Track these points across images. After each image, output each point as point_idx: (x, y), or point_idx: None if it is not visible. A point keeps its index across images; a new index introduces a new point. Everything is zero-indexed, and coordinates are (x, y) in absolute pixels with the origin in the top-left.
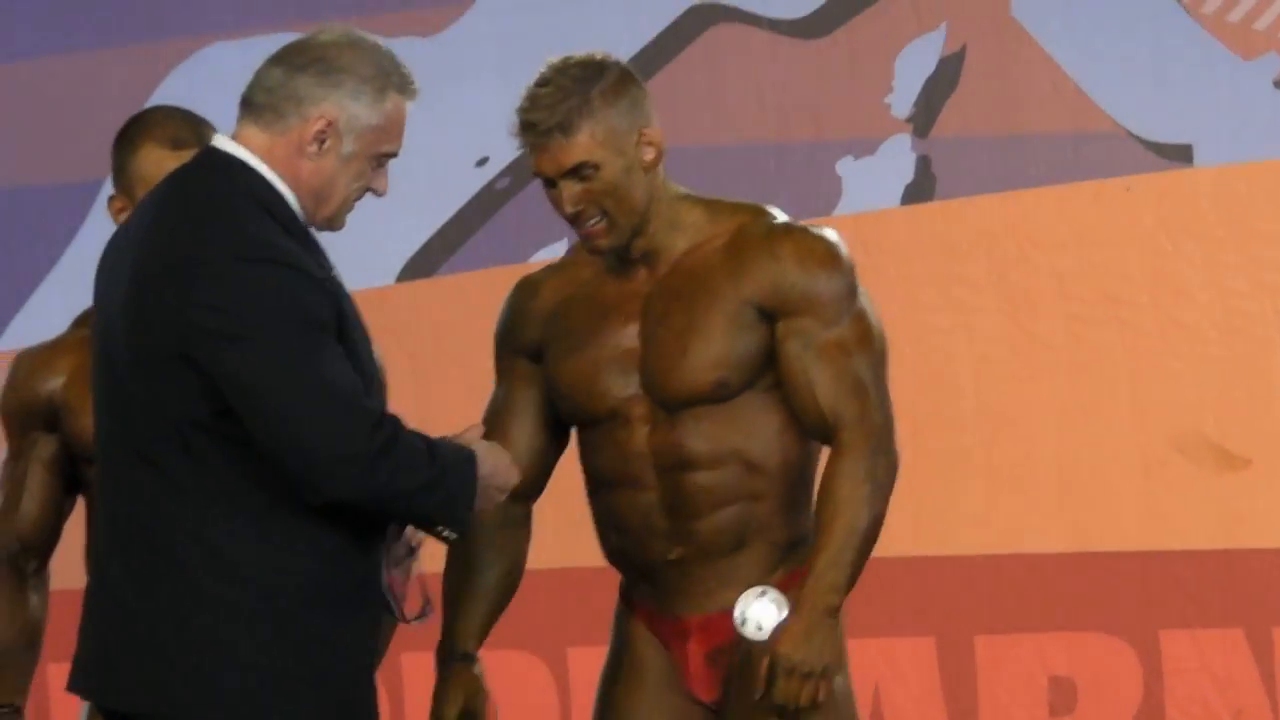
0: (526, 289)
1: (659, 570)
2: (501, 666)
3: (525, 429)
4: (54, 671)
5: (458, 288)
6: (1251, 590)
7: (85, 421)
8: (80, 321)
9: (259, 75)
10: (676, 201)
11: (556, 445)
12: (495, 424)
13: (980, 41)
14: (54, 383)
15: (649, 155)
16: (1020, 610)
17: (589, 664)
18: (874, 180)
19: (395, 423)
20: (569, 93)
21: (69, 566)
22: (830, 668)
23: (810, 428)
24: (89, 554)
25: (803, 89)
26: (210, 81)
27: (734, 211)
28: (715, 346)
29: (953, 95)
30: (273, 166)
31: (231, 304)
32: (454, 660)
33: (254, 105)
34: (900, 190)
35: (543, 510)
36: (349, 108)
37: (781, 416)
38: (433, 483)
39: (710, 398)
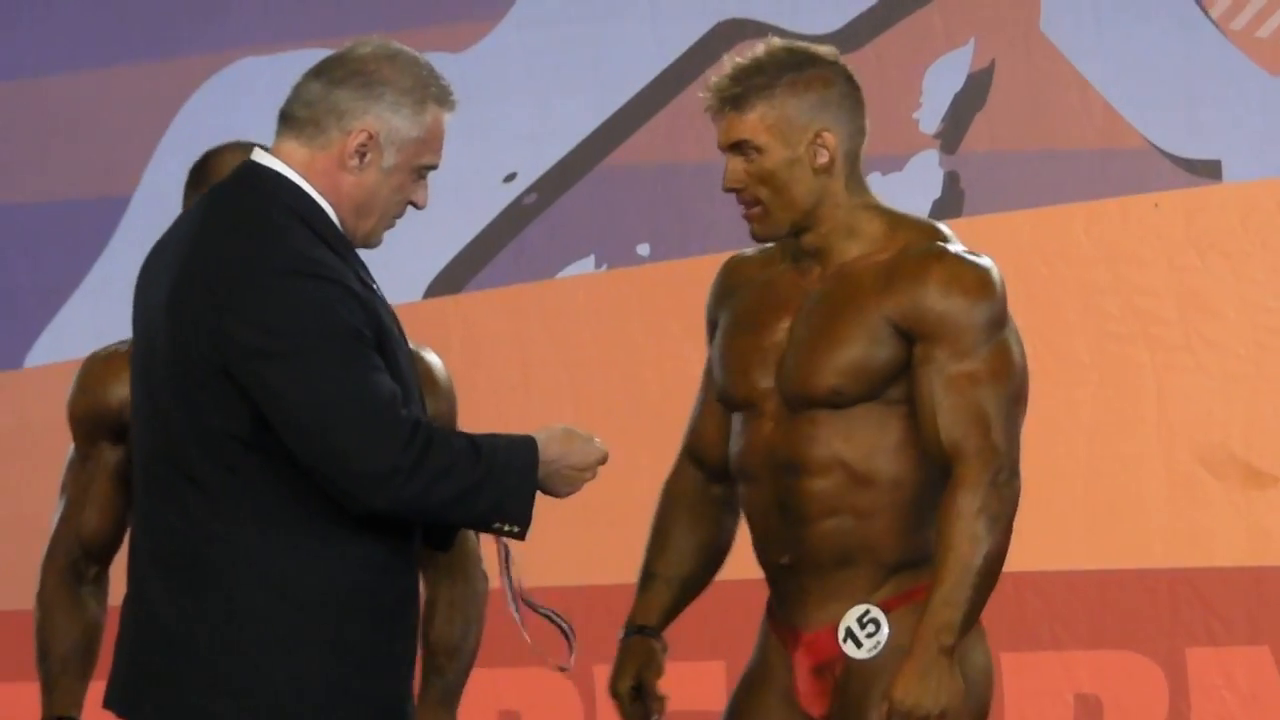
0: (725, 269)
1: (776, 575)
2: (527, 684)
3: (715, 406)
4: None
5: (485, 303)
6: (1278, 608)
7: None
8: None
9: (298, 89)
10: (859, 210)
11: None
12: (698, 398)
13: (1009, 57)
14: (123, 391)
15: (821, 158)
16: (1046, 627)
17: None
18: (902, 196)
19: (431, 430)
20: (761, 72)
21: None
22: (948, 710)
23: (932, 455)
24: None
25: None
26: (239, 96)
27: (910, 228)
28: (842, 354)
29: (981, 111)
30: (313, 180)
31: (268, 318)
32: (630, 633)
33: (293, 119)
34: (928, 206)
35: (569, 528)
36: (389, 120)
37: (900, 434)
38: (477, 485)
39: (825, 403)
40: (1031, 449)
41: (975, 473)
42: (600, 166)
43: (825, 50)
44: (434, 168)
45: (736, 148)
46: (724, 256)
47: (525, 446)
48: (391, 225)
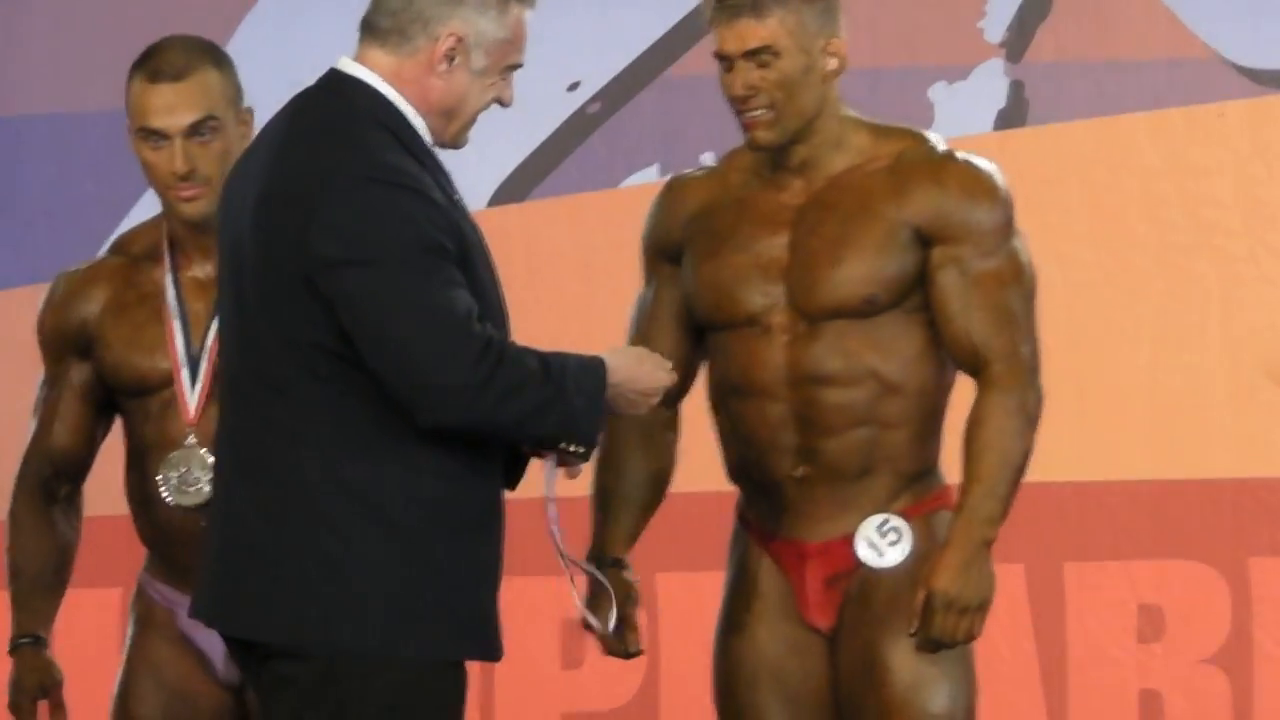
0: (674, 190)
1: (782, 488)
2: None
3: (670, 331)
4: (88, 597)
5: (549, 213)
6: None
7: (116, 354)
8: (116, 248)
9: None
10: (844, 120)
11: (701, 349)
12: (640, 326)
13: None
14: (88, 309)
15: (831, 65)
16: (1109, 537)
17: (678, 589)
18: (966, 105)
19: (504, 347)
20: None
21: (104, 494)
22: (986, 602)
23: (959, 357)
24: (128, 481)
25: (896, 13)
26: (299, 9)
27: (898, 136)
28: (869, 261)
29: (1046, 20)
30: (399, 88)
31: (349, 227)
32: (605, 565)
33: (378, 29)
34: (993, 116)
35: None
36: (476, 23)
37: (921, 341)
38: (546, 404)
39: (856, 312)
40: (1095, 359)
41: (1011, 373)
42: (664, 75)
43: None
44: (520, 66)
45: (753, 54)
46: None
47: (595, 368)
48: (473, 124)
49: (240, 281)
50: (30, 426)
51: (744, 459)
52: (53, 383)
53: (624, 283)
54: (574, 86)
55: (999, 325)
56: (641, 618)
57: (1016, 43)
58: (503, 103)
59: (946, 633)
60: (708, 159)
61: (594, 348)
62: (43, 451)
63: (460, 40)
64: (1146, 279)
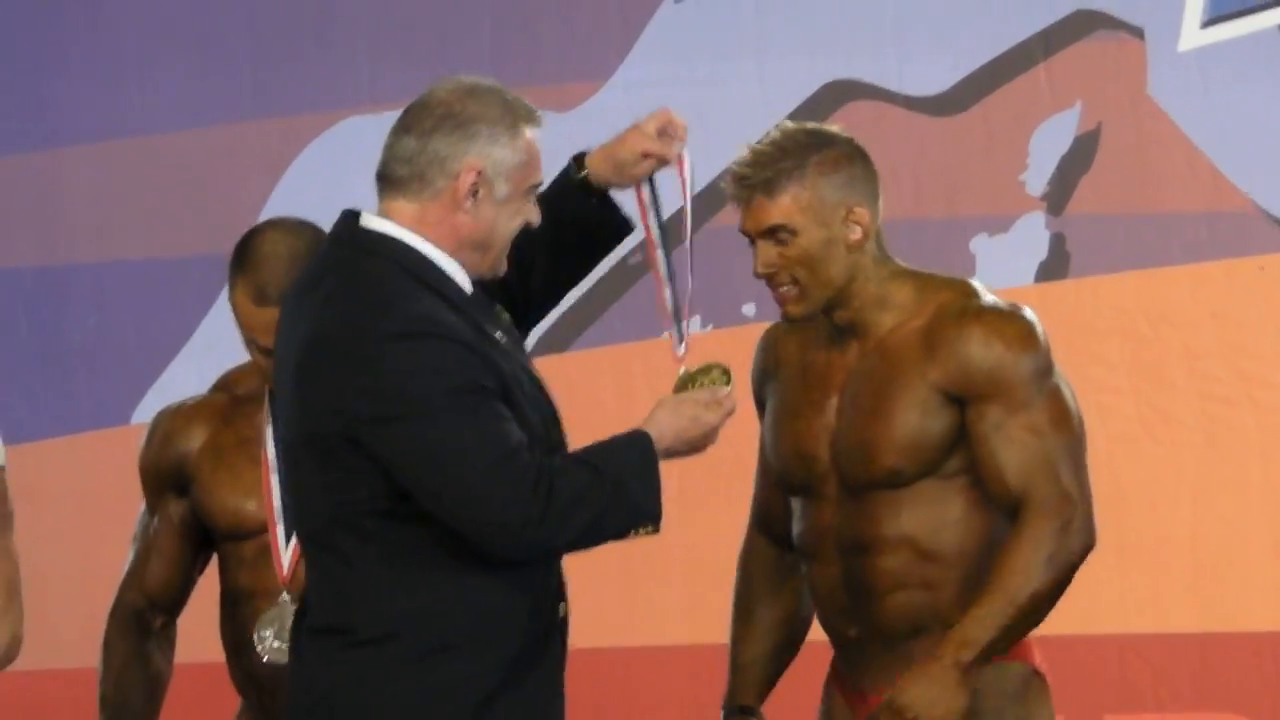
0: (765, 342)
1: (843, 645)
2: None
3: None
4: None
5: (590, 363)
6: None
7: (213, 497)
8: (220, 385)
9: (391, 148)
10: (888, 280)
11: None
12: (761, 471)
13: (1115, 119)
14: (186, 448)
15: (854, 235)
16: (1150, 690)
17: None
18: (1008, 258)
19: (554, 470)
20: (786, 154)
21: (201, 639)
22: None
23: (1001, 507)
24: (223, 625)
25: (937, 166)
26: (346, 154)
27: (939, 289)
28: (895, 433)
29: (1087, 173)
30: (427, 232)
31: (384, 386)
32: (734, 714)
33: (395, 178)
34: (1034, 268)
35: (681, 586)
36: (491, 154)
37: (964, 504)
38: (609, 507)
39: (884, 484)
40: (1136, 511)
41: (1042, 514)
42: (706, 227)
43: (838, 129)
44: (541, 184)
45: (769, 233)
46: None
47: (642, 444)
48: (510, 249)
49: (289, 440)
50: (128, 557)
51: (820, 614)
52: (150, 516)
53: None
54: None
55: (1034, 473)
56: None
57: (1058, 195)
58: (531, 224)
59: None
60: (749, 310)
61: None
62: (137, 583)
63: (480, 173)
64: (1187, 431)
